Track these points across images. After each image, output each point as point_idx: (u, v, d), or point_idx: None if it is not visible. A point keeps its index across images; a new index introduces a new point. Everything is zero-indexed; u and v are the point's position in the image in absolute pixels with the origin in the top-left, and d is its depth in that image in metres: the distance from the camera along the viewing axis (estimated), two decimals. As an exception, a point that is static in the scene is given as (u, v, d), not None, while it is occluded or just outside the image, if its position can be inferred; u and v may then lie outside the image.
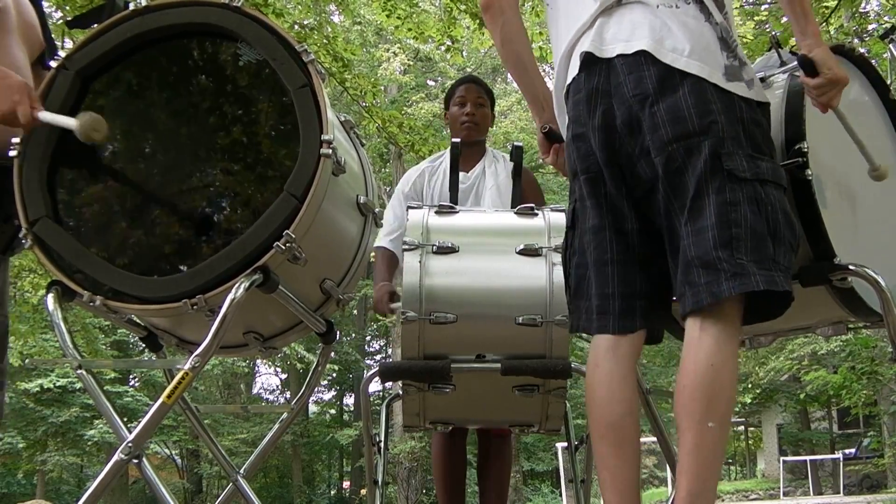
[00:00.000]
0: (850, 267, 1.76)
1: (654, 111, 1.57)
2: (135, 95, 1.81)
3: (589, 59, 1.67)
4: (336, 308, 1.91)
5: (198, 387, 21.04)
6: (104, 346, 14.89)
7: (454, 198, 2.56)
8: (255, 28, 1.72)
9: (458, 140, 2.63)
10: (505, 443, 2.88)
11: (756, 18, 8.16)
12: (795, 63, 1.90)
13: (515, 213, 2.17)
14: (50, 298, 1.72)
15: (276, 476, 25.17)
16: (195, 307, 1.58)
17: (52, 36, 2.00)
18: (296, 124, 1.66)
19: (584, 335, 1.80)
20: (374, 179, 2.03)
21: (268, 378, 28.87)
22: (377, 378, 2.04)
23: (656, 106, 1.57)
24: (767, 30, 7.47)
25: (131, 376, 20.29)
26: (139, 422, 1.59)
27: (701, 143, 1.54)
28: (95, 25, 1.84)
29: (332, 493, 27.12)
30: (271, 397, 27.91)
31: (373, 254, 2.48)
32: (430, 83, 20.46)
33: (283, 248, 1.57)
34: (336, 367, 23.56)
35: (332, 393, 26.80)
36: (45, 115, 1.67)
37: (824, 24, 6.37)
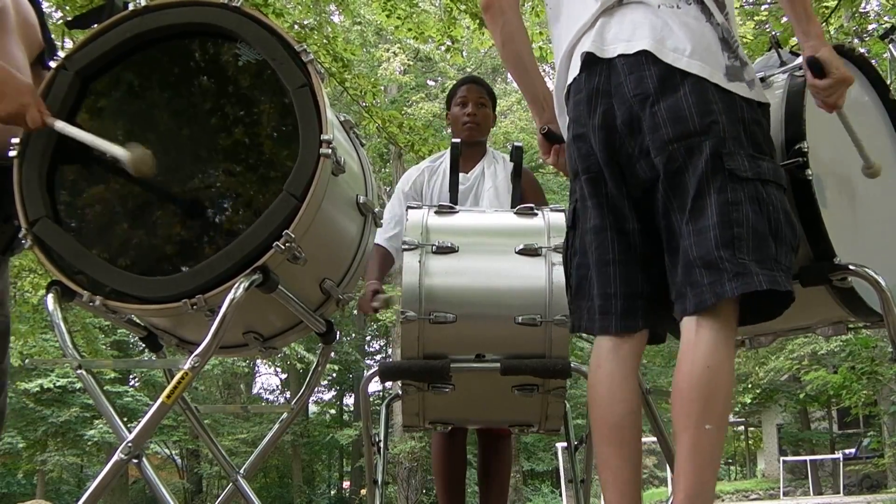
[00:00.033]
0: (850, 267, 1.76)
1: (655, 111, 1.57)
2: (135, 96, 1.81)
3: (590, 60, 1.67)
4: (336, 308, 1.91)
5: (198, 387, 21.04)
6: (104, 346, 14.88)
7: (454, 198, 2.56)
8: (254, 28, 1.72)
9: (458, 140, 2.63)
10: (505, 443, 2.88)
11: (756, 18, 8.16)
12: (795, 63, 1.90)
13: (515, 213, 2.17)
14: (50, 298, 1.72)
15: (276, 476, 25.17)
16: (195, 307, 1.58)
17: (52, 36, 2.00)
18: (296, 125, 1.66)
19: (584, 335, 1.80)
20: (374, 179, 2.03)
21: (268, 378, 28.90)
22: (377, 378, 2.04)
23: (657, 106, 1.57)
24: (767, 30, 7.47)
25: (131, 376, 20.30)
26: (139, 422, 1.59)
27: (702, 142, 1.54)
28: (95, 26, 1.84)
29: (332, 493, 27.12)
30: (271, 397, 27.94)
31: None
32: (430, 83, 20.46)
33: (283, 247, 1.57)
34: (336, 367, 23.55)
35: (332, 393, 26.82)
36: (79, 133, 1.67)
37: (824, 24, 6.36)
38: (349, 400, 26.91)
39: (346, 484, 26.51)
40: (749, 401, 20.98)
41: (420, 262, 1.95)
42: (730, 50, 1.63)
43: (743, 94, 1.60)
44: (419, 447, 13.53)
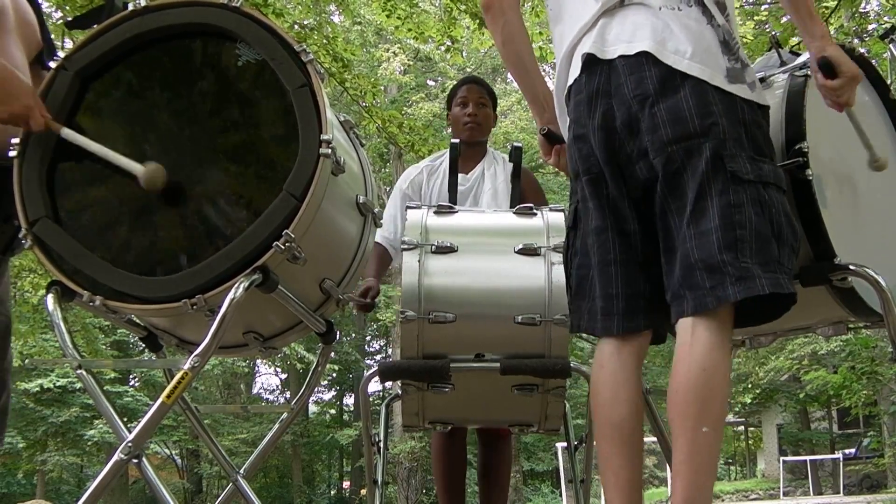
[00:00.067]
0: (851, 267, 1.76)
1: (655, 111, 1.57)
2: (135, 96, 1.81)
3: (590, 60, 1.67)
4: (336, 308, 1.91)
5: (198, 387, 21.04)
6: (104, 346, 14.88)
7: (453, 198, 2.56)
8: (254, 28, 1.72)
9: (457, 140, 2.63)
10: (505, 443, 2.88)
11: (756, 18, 8.15)
12: (796, 63, 1.90)
13: (514, 212, 2.17)
14: (50, 298, 1.72)
15: (276, 476, 25.17)
16: (195, 307, 1.58)
17: (51, 35, 2.00)
18: (296, 125, 1.66)
19: (584, 335, 1.80)
20: (374, 179, 2.03)
21: (268, 378, 28.89)
22: (377, 378, 2.04)
23: (657, 106, 1.57)
24: (767, 30, 7.47)
25: (131, 376, 20.30)
26: (139, 422, 1.59)
27: (701, 144, 1.54)
28: (95, 26, 1.84)
29: (332, 493, 27.12)
30: (271, 397, 27.93)
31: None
32: (430, 83, 20.46)
33: (283, 247, 1.57)
34: (336, 367, 23.54)
35: (332, 393, 26.82)
36: (87, 143, 1.68)
37: (824, 23, 6.36)
38: (349, 400, 26.94)
39: (346, 484, 26.50)
40: (749, 401, 20.97)
41: (419, 261, 1.95)
42: (730, 52, 1.63)
43: (744, 96, 1.60)
44: (419, 447, 13.53)
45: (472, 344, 1.95)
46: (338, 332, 2.10)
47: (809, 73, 1.85)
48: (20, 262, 8.60)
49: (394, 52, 14.60)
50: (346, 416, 26.35)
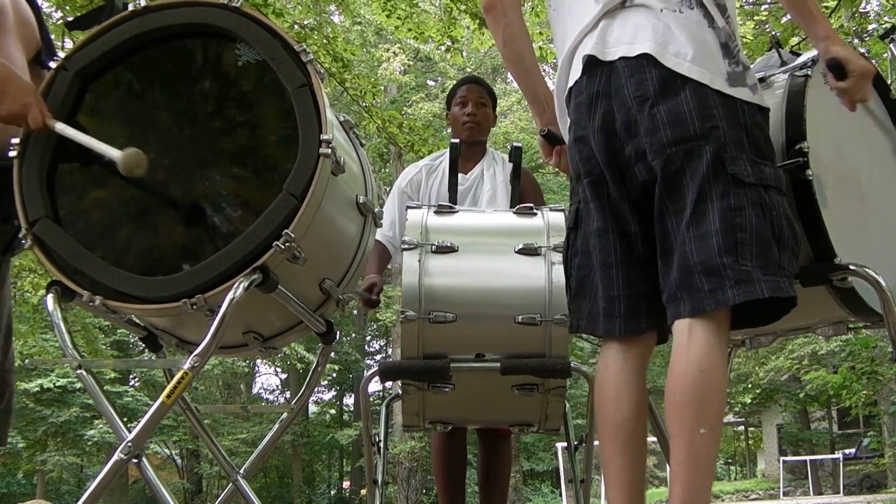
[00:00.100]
0: (851, 267, 1.76)
1: (654, 113, 1.57)
2: (135, 96, 1.81)
3: (591, 62, 1.67)
4: (336, 308, 1.91)
5: (198, 387, 21.04)
6: (104, 346, 14.88)
7: (453, 198, 2.56)
8: (253, 28, 1.71)
9: (457, 141, 2.63)
10: (505, 443, 2.88)
11: (756, 18, 8.15)
12: (796, 63, 1.90)
13: (514, 212, 2.17)
14: (50, 298, 1.72)
15: (276, 476, 25.17)
16: (194, 307, 1.58)
17: (50, 35, 2.00)
18: (296, 125, 1.66)
19: (585, 335, 1.80)
20: (374, 179, 2.03)
21: (268, 378, 28.90)
22: (377, 378, 2.04)
23: (656, 108, 1.57)
24: (767, 30, 7.47)
25: (131, 376, 20.30)
26: (139, 422, 1.59)
27: (702, 147, 1.54)
28: (95, 26, 1.84)
29: (332, 493, 27.12)
30: (271, 397, 27.93)
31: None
32: (430, 83, 20.46)
33: (283, 247, 1.57)
34: (336, 367, 23.54)
35: (332, 393, 26.82)
36: (76, 134, 1.67)
37: (827, 22, 6.36)
38: (349, 400, 26.93)
39: (346, 484, 26.50)
40: (749, 401, 20.97)
41: (420, 261, 1.95)
42: (731, 56, 1.62)
43: (745, 99, 1.60)
44: (419, 447, 13.53)
45: (473, 344, 1.95)
46: (338, 332, 2.10)
47: (810, 73, 1.85)
48: (20, 262, 8.61)
49: (394, 52, 14.60)
50: (346, 416, 26.36)
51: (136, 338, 2.16)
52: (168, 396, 1.54)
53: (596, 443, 2.47)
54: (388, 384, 2.52)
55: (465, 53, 14.52)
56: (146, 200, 1.72)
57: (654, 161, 1.57)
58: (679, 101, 1.56)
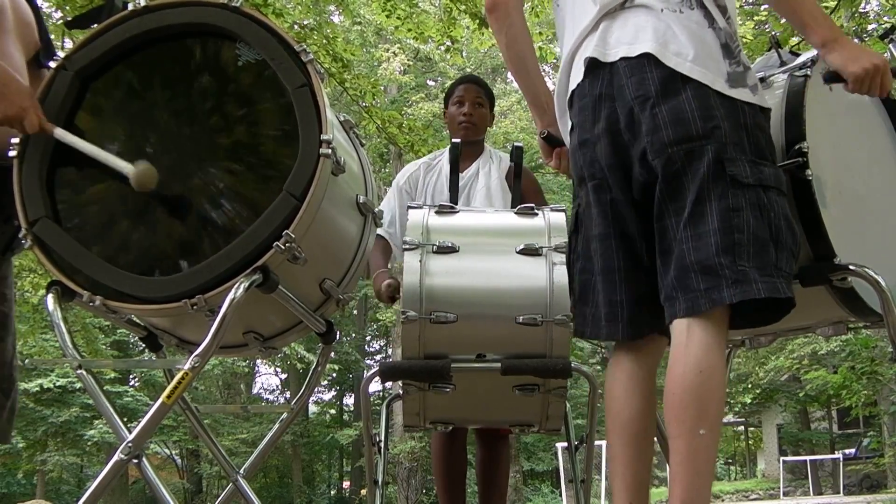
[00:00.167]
0: (851, 267, 1.76)
1: (656, 112, 1.57)
2: (135, 96, 1.81)
3: (593, 64, 1.67)
4: (336, 308, 1.91)
5: (198, 387, 21.04)
6: (104, 346, 14.88)
7: (454, 198, 2.56)
8: (254, 28, 1.71)
9: (458, 141, 2.63)
10: (503, 443, 2.88)
11: (756, 18, 8.15)
12: (795, 63, 1.90)
13: (515, 212, 2.17)
14: (50, 298, 1.72)
15: (276, 476, 25.17)
16: (195, 307, 1.58)
17: (50, 35, 2.00)
18: (296, 125, 1.66)
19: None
20: (374, 179, 2.03)
21: (268, 378, 28.90)
22: (377, 378, 2.04)
23: (657, 108, 1.57)
24: (767, 30, 7.47)
25: (131, 376, 20.29)
26: (139, 422, 1.59)
27: (703, 147, 1.54)
28: (95, 26, 1.84)
29: (332, 493, 27.12)
30: (271, 397, 27.93)
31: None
32: (430, 83, 20.46)
33: (283, 247, 1.57)
34: (336, 367, 23.55)
35: (332, 393, 26.82)
36: (77, 142, 1.67)
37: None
38: (349, 400, 26.94)
39: (346, 484, 26.50)
40: (749, 401, 20.97)
41: (421, 261, 1.95)
42: (731, 56, 1.62)
43: (746, 99, 1.59)
44: (419, 447, 13.53)
45: (474, 344, 1.95)
46: (338, 332, 2.10)
47: (809, 73, 1.85)
48: (20, 261, 8.61)
49: (394, 52, 14.60)
50: (346, 416, 26.36)
51: (136, 338, 2.16)
52: (168, 397, 1.54)
53: (596, 443, 2.47)
54: (389, 384, 2.52)
55: (464, 53, 14.51)
56: (144, 196, 1.72)
57: (655, 161, 1.57)
58: (680, 101, 1.56)
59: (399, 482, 13.66)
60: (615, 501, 1.61)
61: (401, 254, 2.04)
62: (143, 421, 1.57)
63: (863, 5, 7.25)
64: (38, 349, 11.97)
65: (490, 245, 2.08)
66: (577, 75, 1.72)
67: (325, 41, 7.51)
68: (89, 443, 17.65)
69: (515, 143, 2.56)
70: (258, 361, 21.69)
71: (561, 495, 17.74)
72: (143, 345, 2.03)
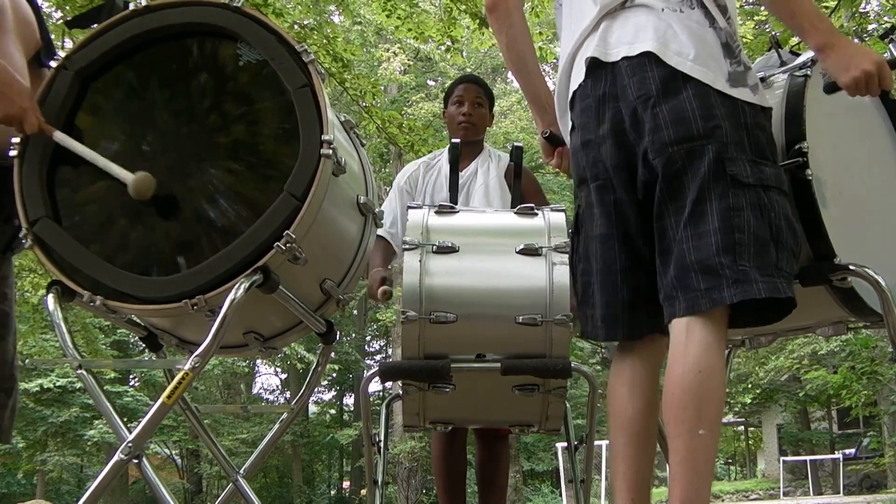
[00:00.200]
0: (851, 267, 1.76)
1: (657, 112, 1.57)
2: (135, 95, 1.81)
3: (594, 64, 1.67)
4: (336, 308, 1.91)
5: (198, 387, 21.03)
6: (104, 346, 14.88)
7: (454, 198, 2.56)
8: (255, 28, 1.71)
9: (458, 141, 2.63)
10: (502, 443, 2.88)
11: (756, 18, 8.15)
12: (795, 63, 1.90)
13: (515, 212, 2.17)
14: (50, 298, 1.71)
15: (276, 476, 25.17)
16: (195, 307, 1.58)
17: (50, 35, 2.00)
18: (297, 124, 1.66)
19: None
20: (375, 179, 2.03)
21: (268, 378, 28.90)
22: (377, 378, 2.04)
23: (658, 107, 1.57)
24: (767, 30, 7.46)
25: (131, 376, 20.29)
26: (139, 422, 1.59)
27: (704, 147, 1.54)
28: (95, 25, 1.84)
29: (332, 493, 27.12)
30: (271, 397, 27.94)
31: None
32: (430, 83, 20.46)
33: (284, 248, 1.57)
34: (336, 367, 23.56)
35: (332, 393, 26.82)
36: (75, 145, 1.67)
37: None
38: (349, 400, 26.94)
39: (346, 484, 26.50)
40: (749, 401, 20.97)
41: (420, 261, 1.95)
42: (732, 56, 1.62)
43: (746, 99, 1.59)
44: (419, 447, 13.53)
45: (473, 344, 1.95)
46: (338, 332, 2.09)
47: (809, 73, 1.85)
48: (20, 261, 8.61)
49: (394, 52, 14.60)
50: (346, 416, 26.36)
51: (136, 338, 2.16)
52: (168, 397, 1.54)
53: (596, 443, 2.47)
54: (389, 384, 2.52)
55: (465, 53, 14.51)
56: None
57: (656, 160, 1.57)
58: (681, 101, 1.56)
59: (399, 482, 13.66)
60: (617, 500, 1.61)
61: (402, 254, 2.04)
62: (144, 421, 1.57)
63: (863, 5, 7.25)
64: (38, 349, 11.98)
65: (490, 245, 2.08)
66: (579, 76, 1.72)
67: (325, 41, 7.51)
68: (89, 443, 17.65)
69: (515, 143, 2.56)
70: (258, 361, 21.70)
71: (561, 495, 17.74)
72: (143, 345, 2.03)
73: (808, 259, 1.78)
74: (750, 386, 20.10)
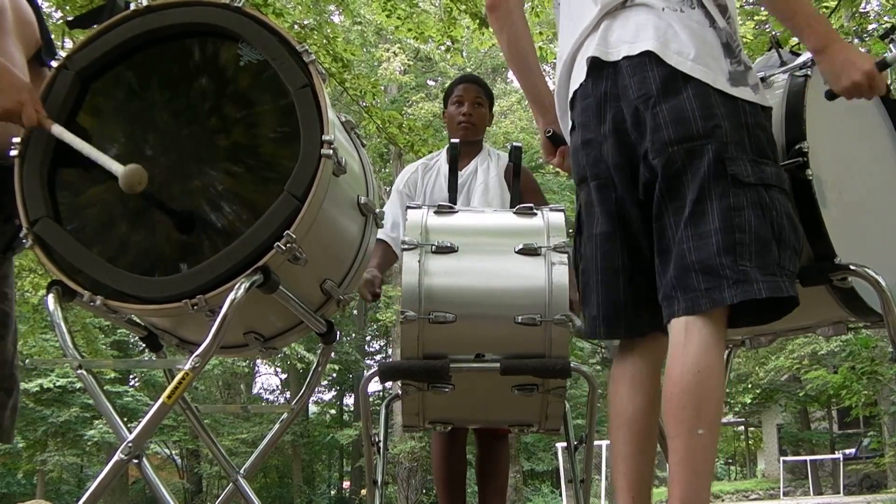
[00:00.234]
0: (851, 267, 1.76)
1: (657, 111, 1.57)
2: (136, 96, 1.81)
3: (595, 64, 1.67)
4: (336, 308, 1.91)
5: (198, 387, 21.04)
6: (104, 346, 14.87)
7: (453, 198, 2.56)
8: (255, 28, 1.71)
9: (457, 141, 2.64)
10: (502, 443, 2.88)
11: (756, 18, 8.15)
12: (796, 63, 1.90)
13: (514, 212, 2.17)
14: (50, 298, 1.71)
15: (276, 476, 25.17)
16: (195, 307, 1.58)
17: (50, 34, 2.00)
18: (297, 126, 1.66)
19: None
20: (375, 180, 2.03)
21: (268, 378, 28.91)
22: (377, 378, 2.04)
23: (658, 107, 1.57)
24: (767, 30, 7.46)
25: (131, 376, 20.29)
26: (139, 422, 1.59)
27: (704, 146, 1.54)
28: (96, 26, 1.84)
29: (332, 493, 27.12)
30: (271, 397, 27.94)
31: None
32: (430, 83, 20.46)
33: (284, 248, 1.57)
34: (336, 367, 23.55)
35: (332, 393, 26.83)
36: (74, 139, 1.67)
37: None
38: (349, 400, 26.94)
39: (346, 484, 26.51)
40: (749, 401, 20.97)
41: (419, 261, 1.95)
42: (732, 55, 1.62)
43: (747, 98, 1.60)
44: (419, 447, 13.53)
45: (473, 344, 1.95)
46: (338, 332, 2.09)
47: (809, 72, 1.85)
48: (20, 261, 8.61)
49: (394, 52, 14.60)
50: (346, 416, 26.36)
51: (137, 338, 2.16)
52: (169, 397, 1.54)
53: (596, 443, 2.47)
54: (388, 384, 2.52)
55: (465, 53, 14.52)
56: (146, 199, 1.72)
57: (655, 160, 1.57)
58: (682, 100, 1.56)
59: (399, 482, 13.66)
60: (618, 498, 1.61)
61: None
62: (144, 421, 1.57)
63: (863, 5, 7.25)
64: (38, 349, 11.98)
65: (489, 245, 2.08)
66: (580, 75, 1.72)
67: (325, 41, 7.51)
68: (89, 443, 17.65)
69: (514, 143, 2.56)
70: (258, 361, 21.70)
71: (561, 495, 17.74)
72: (144, 345, 2.02)
73: (808, 259, 1.78)
74: (750, 386, 20.10)
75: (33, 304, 9.88)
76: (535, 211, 2.14)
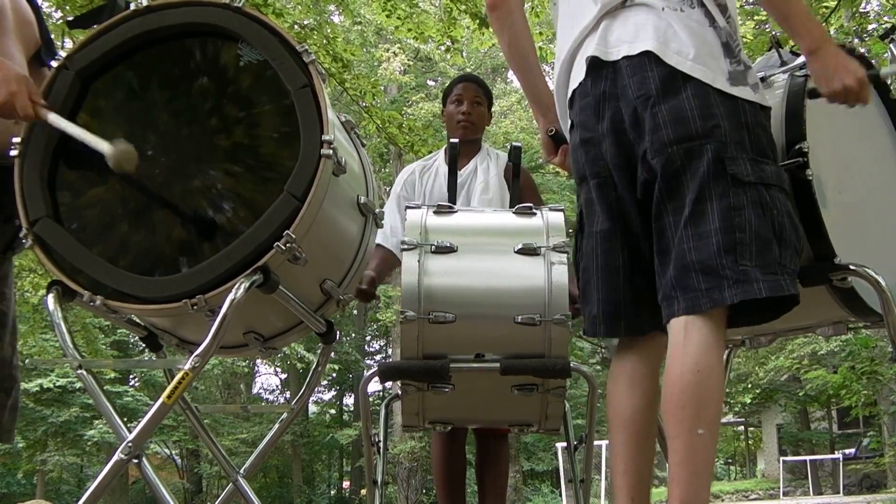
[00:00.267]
0: (851, 267, 1.76)
1: (656, 111, 1.57)
2: (136, 96, 1.81)
3: (595, 63, 1.67)
4: (336, 308, 1.91)
5: (198, 387, 21.04)
6: (104, 346, 14.87)
7: (453, 198, 2.56)
8: (256, 28, 1.72)
9: (456, 140, 2.64)
10: (501, 443, 2.88)
11: (756, 18, 8.15)
12: (796, 63, 1.90)
13: (514, 212, 2.17)
14: (50, 298, 1.72)
15: (276, 476, 25.17)
16: (195, 307, 1.58)
17: (50, 34, 2.00)
18: (297, 126, 1.66)
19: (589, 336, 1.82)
20: (375, 180, 2.03)
21: (268, 378, 28.91)
22: (376, 378, 2.04)
23: (657, 107, 1.57)
24: (767, 30, 7.47)
25: (131, 376, 20.29)
26: (139, 422, 1.59)
27: (703, 146, 1.54)
28: (96, 26, 1.84)
29: (332, 493, 27.12)
30: (271, 397, 27.94)
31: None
32: (430, 83, 20.46)
33: (284, 248, 1.57)
34: (336, 367, 23.56)
35: (332, 393, 26.83)
36: (67, 126, 1.66)
37: (824, 24, 6.36)
38: (349, 400, 26.95)
39: (346, 484, 26.51)
40: (749, 401, 20.97)
41: (419, 261, 1.95)
42: (732, 55, 1.62)
43: (746, 98, 1.60)
44: (419, 447, 13.53)
45: (472, 344, 1.95)
46: (338, 332, 2.10)
47: (810, 73, 1.85)
48: (20, 261, 8.61)
49: (394, 52, 14.60)
50: (346, 416, 26.36)
51: (137, 338, 2.16)
52: (169, 397, 1.54)
53: (596, 443, 2.47)
54: (388, 384, 2.52)
55: (465, 53, 14.51)
56: (144, 198, 1.72)
57: (655, 160, 1.57)
58: (681, 100, 1.56)
59: (399, 482, 13.66)
60: (617, 498, 1.61)
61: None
62: (143, 421, 1.57)
63: (863, 5, 7.25)
64: (38, 349, 11.97)
65: (488, 245, 2.08)
66: (579, 74, 1.72)
67: (325, 41, 7.51)
68: (89, 443, 17.65)
69: (514, 143, 2.56)
70: (258, 361, 21.70)
71: (561, 495, 17.74)
72: (144, 345, 2.03)
73: (808, 259, 1.78)
74: (750, 386, 20.10)
75: (33, 304, 9.87)
76: (534, 211, 2.14)
